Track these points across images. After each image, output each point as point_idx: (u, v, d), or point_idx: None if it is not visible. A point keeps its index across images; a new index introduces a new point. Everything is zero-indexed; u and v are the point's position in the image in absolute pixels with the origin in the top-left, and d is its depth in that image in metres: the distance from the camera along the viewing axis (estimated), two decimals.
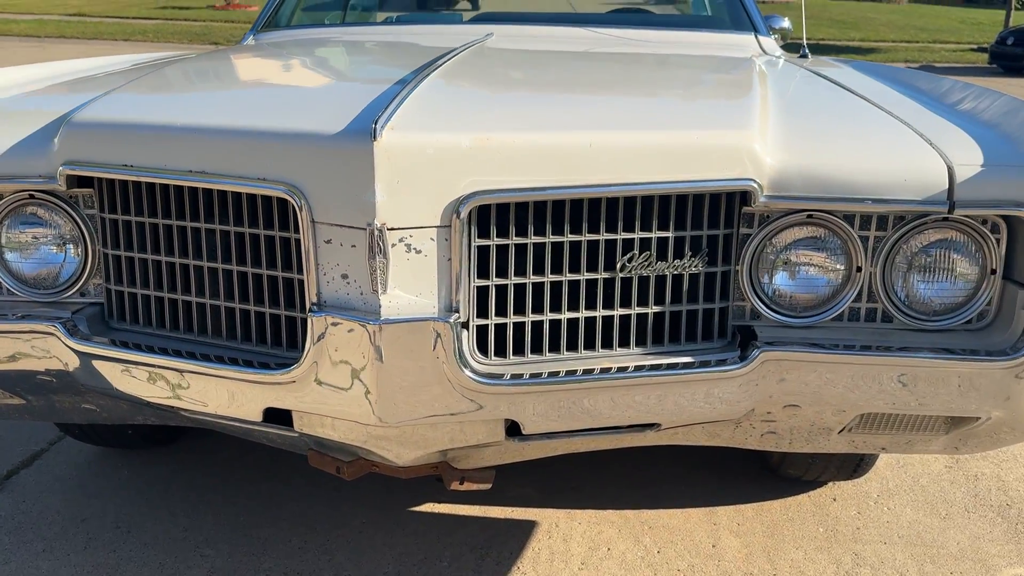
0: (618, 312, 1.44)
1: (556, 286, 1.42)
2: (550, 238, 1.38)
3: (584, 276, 1.41)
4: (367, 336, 1.30)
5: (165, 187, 1.48)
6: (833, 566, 2.13)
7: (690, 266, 1.44)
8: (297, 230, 1.35)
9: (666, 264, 1.43)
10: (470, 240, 1.33)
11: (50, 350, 1.56)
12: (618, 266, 1.42)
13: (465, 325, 1.36)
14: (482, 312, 1.39)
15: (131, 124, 1.46)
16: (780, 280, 1.48)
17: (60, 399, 1.72)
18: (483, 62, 1.99)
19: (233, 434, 1.71)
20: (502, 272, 1.39)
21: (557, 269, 1.41)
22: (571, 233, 1.39)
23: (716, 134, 1.38)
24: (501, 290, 1.39)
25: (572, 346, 1.45)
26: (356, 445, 1.47)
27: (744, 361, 1.42)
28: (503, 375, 1.37)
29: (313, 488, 2.40)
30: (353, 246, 1.30)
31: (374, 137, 1.24)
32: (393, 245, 1.29)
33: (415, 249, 1.30)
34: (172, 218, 1.48)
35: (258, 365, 1.43)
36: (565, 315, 1.43)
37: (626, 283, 1.44)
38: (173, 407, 1.54)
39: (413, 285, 1.31)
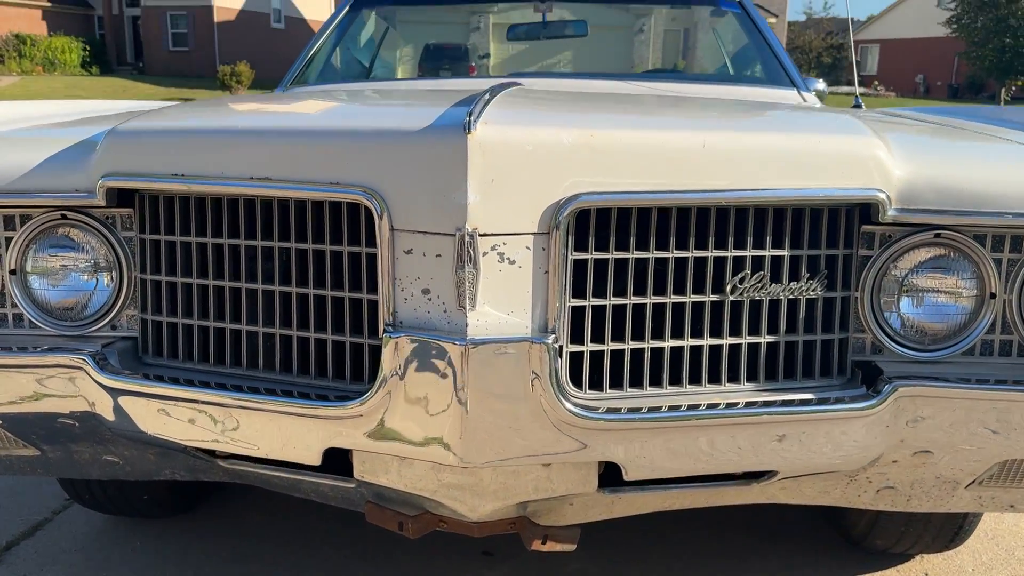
0: (727, 341, 1.27)
1: (657, 309, 1.26)
2: (654, 253, 1.22)
3: (690, 298, 1.25)
4: (451, 359, 1.13)
5: (215, 204, 1.33)
6: None
7: (808, 290, 1.28)
8: (370, 242, 1.20)
9: (781, 287, 1.27)
10: (567, 251, 1.17)
11: (76, 388, 1.38)
12: (728, 287, 1.26)
13: (559, 351, 1.19)
14: (576, 337, 1.22)
15: (185, 130, 1.33)
16: (906, 308, 1.32)
17: (79, 449, 1.53)
18: (541, 92, 1.87)
19: (276, 488, 1.50)
20: (594, 292, 1.22)
21: (659, 290, 1.25)
22: (677, 248, 1.23)
23: (842, 139, 1.24)
24: (597, 312, 1.23)
25: (674, 379, 1.28)
26: (425, 496, 1.28)
27: (877, 396, 1.24)
28: (602, 409, 1.19)
29: (344, 561, 2.16)
30: (438, 256, 1.14)
31: (468, 130, 1.10)
32: (484, 254, 1.13)
33: (508, 259, 1.14)
34: (224, 236, 1.33)
35: (315, 398, 1.25)
36: (668, 343, 1.26)
37: (735, 308, 1.28)
38: (215, 452, 1.35)
39: (504, 301, 1.15)
